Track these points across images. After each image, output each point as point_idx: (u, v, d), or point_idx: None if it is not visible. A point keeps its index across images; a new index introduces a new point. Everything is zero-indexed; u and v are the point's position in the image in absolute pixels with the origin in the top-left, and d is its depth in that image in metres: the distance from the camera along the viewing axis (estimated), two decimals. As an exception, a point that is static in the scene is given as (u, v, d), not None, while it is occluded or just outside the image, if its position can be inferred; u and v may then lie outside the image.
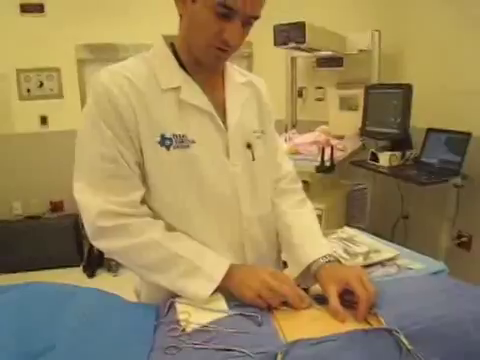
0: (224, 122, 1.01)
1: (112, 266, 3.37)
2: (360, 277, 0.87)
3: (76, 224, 3.59)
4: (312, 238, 1.08)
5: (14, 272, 3.38)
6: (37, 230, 3.50)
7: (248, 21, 0.91)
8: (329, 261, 0.98)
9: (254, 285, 0.88)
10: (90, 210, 0.91)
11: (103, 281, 3.29)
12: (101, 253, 3.40)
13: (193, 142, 0.96)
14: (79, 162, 0.96)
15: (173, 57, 0.99)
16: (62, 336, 0.77)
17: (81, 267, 3.51)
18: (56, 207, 3.77)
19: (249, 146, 1.06)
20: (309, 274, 1.00)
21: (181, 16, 0.98)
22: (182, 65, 0.99)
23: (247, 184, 1.05)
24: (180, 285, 0.91)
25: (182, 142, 0.95)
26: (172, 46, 1.01)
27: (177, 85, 0.96)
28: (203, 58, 0.96)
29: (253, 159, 1.06)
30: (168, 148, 0.94)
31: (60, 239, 3.51)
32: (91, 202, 0.92)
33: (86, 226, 0.94)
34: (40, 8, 3.47)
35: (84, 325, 0.80)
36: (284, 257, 1.19)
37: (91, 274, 3.41)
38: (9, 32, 3.46)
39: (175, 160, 0.95)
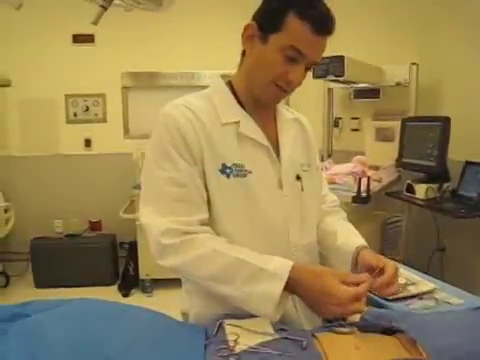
0: (277, 155, 1.08)
1: (147, 287, 3.42)
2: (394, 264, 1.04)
3: (113, 244, 3.70)
4: (354, 237, 1.18)
5: (51, 287, 3.45)
6: (76, 248, 3.59)
7: (309, 66, 1.00)
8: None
9: (334, 304, 0.87)
10: (155, 230, 0.97)
11: (137, 301, 3.30)
12: (136, 273, 3.48)
13: (250, 172, 1.03)
14: (146, 188, 1.03)
15: (231, 94, 1.08)
16: (117, 353, 0.81)
17: (116, 286, 3.56)
18: (94, 226, 3.88)
19: (299, 178, 1.13)
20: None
21: (243, 54, 1.07)
22: (239, 102, 1.08)
23: (296, 214, 1.11)
24: (247, 291, 0.91)
25: (240, 171, 1.02)
26: (229, 84, 1.10)
27: (236, 120, 1.04)
28: (262, 95, 1.05)
29: (302, 190, 1.13)
30: (228, 176, 1.01)
31: (97, 258, 3.59)
32: (156, 223, 0.97)
33: (152, 246, 0.99)
34: (91, 38, 3.70)
35: (138, 342, 0.84)
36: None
37: (126, 294, 3.45)
38: (61, 60, 3.69)
39: (233, 187, 1.02)
